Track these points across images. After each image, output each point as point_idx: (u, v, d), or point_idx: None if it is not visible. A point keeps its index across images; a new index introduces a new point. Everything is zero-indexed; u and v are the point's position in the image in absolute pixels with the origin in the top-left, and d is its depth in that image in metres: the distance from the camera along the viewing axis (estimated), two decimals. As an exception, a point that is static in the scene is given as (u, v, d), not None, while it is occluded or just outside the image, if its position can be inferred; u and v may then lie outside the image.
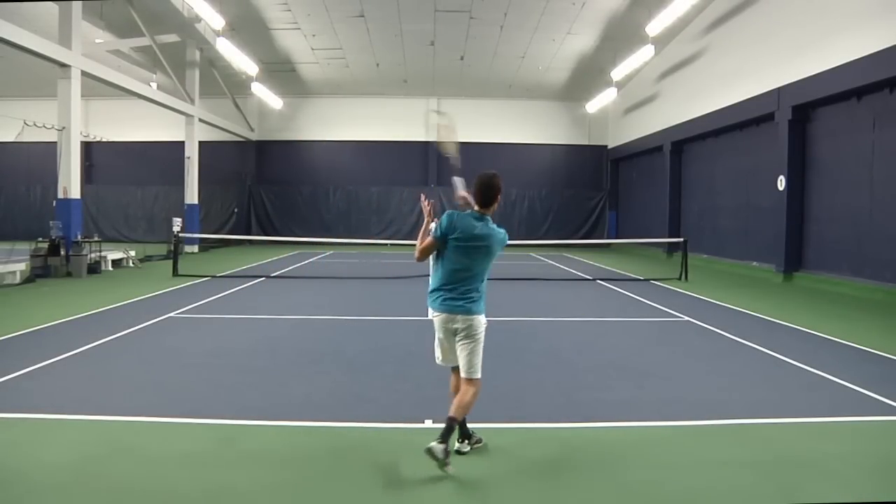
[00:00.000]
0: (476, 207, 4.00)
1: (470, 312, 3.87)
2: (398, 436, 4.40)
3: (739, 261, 17.79)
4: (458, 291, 3.88)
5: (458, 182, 4.25)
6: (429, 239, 3.99)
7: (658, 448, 4.22)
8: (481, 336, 3.92)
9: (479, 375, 3.91)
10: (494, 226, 3.98)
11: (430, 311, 4.05)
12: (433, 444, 3.61)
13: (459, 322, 3.88)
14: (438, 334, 4.03)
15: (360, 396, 5.27)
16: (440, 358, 4.11)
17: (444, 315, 3.93)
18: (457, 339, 3.92)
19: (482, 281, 3.97)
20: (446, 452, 3.60)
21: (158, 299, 10.72)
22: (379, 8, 19.10)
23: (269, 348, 7.07)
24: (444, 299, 3.91)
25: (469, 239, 3.86)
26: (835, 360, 6.73)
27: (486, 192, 3.99)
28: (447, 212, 3.98)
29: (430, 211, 4.17)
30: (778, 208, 15.35)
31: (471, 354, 3.88)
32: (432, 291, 4.02)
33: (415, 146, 29.42)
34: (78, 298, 10.62)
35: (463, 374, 3.91)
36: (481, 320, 3.93)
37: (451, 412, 3.76)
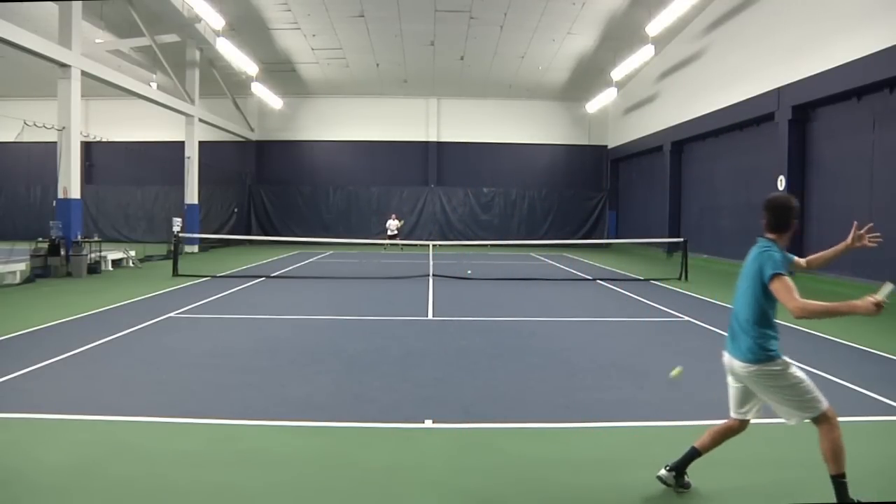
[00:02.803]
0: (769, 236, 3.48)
1: (739, 356, 3.39)
2: (398, 436, 4.39)
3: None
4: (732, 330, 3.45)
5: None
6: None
7: (658, 448, 4.21)
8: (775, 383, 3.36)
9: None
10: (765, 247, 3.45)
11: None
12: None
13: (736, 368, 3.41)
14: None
15: (360, 396, 5.27)
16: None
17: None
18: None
19: (745, 318, 3.45)
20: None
21: (158, 299, 10.72)
22: (379, 8, 19.10)
23: (269, 348, 7.07)
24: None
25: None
26: (835, 360, 6.73)
27: (774, 215, 3.47)
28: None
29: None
30: (778, 208, 15.33)
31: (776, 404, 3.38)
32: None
33: (415, 146, 29.44)
34: (78, 298, 10.62)
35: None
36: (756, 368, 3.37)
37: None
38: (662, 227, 22.28)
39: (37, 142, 20.36)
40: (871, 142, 12.81)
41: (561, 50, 22.67)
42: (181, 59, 21.82)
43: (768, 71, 15.57)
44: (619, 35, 20.43)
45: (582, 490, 3.53)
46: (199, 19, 18.95)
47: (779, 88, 15.06)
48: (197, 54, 22.22)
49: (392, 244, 23.75)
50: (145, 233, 27.91)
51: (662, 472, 3.54)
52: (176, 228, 18.24)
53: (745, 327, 3.40)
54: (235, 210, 28.59)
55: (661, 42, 19.75)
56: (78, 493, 3.45)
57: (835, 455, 3.22)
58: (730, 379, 3.47)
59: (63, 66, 14.47)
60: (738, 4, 17.41)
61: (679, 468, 3.55)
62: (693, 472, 3.81)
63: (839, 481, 3.21)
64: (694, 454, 3.53)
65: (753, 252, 3.49)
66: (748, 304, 3.41)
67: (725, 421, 3.57)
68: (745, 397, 3.45)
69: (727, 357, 3.44)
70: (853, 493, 3.24)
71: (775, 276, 3.26)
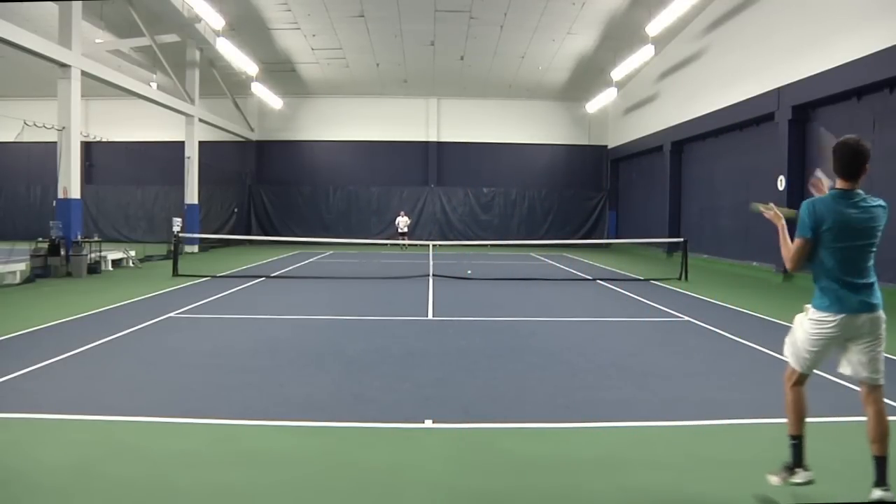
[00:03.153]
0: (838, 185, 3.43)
1: (878, 305, 3.32)
2: (398, 436, 4.39)
3: (739, 261, 17.79)
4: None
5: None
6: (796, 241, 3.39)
7: (658, 448, 4.22)
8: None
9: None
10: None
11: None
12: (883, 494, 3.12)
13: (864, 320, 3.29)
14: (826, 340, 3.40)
15: (360, 396, 5.27)
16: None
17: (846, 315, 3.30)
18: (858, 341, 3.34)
19: (871, 269, 3.39)
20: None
21: (158, 299, 10.72)
22: (379, 8, 19.10)
23: (269, 348, 7.07)
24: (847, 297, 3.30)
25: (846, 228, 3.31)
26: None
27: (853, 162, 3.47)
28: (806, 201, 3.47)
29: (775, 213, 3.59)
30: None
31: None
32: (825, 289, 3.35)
33: (415, 146, 29.45)
34: (78, 298, 10.62)
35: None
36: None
37: (876, 450, 3.19)
38: (662, 227, 22.28)
39: (37, 142, 20.35)
40: (871, 142, 12.65)
41: (561, 50, 22.67)
42: (181, 59, 21.83)
43: (768, 71, 15.57)
44: (619, 35, 20.43)
45: (582, 490, 3.53)
46: (199, 19, 18.96)
47: (779, 88, 15.07)
48: (197, 54, 22.22)
49: (409, 244, 23.78)
50: (145, 233, 27.91)
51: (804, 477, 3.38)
52: (176, 228, 18.24)
53: (873, 276, 3.33)
54: (235, 210, 28.60)
55: (661, 42, 19.75)
56: (78, 493, 3.45)
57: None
58: (834, 341, 3.39)
59: (63, 66, 14.47)
60: (738, 4, 17.41)
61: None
62: (693, 472, 3.81)
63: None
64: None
65: (876, 203, 3.52)
66: (871, 256, 3.37)
67: (801, 388, 3.55)
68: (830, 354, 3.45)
69: (848, 316, 3.27)
70: (853, 494, 3.24)
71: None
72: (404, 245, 23.96)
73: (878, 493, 3.11)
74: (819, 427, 4.71)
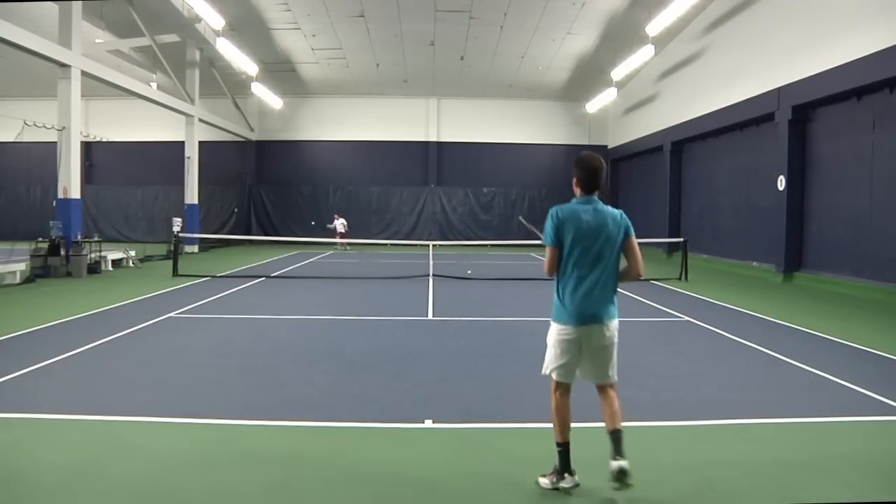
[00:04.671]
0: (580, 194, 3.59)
1: (614, 315, 3.54)
2: (398, 436, 4.39)
3: (739, 261, 17.79)
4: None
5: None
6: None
7: (658, 448, 4.22)
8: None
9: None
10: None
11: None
12: (623, 463, 3.33)
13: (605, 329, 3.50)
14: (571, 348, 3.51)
15: (360, 396, 5.27)
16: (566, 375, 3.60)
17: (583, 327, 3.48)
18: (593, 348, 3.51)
19: (614, 279, 3.56)
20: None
21: (158, 299, 10.72)
22: (379, 8, 19.10)
23: (269, 348, 7.07)
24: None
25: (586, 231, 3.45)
26: (835, 360, 6.73)
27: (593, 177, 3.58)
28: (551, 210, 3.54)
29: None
30: (778, 208, 15.35)
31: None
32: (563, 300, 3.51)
33: (415, 146, 29.44)
34: (78, 298, 10.62)
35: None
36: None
37: (617, 424, 3.45)
38: (662, 227, 22.28)
39: (37, 142, 20.41)
40: (871, 142, 12.81)
41: (561, 50, 22.67)
42: (181, 59, 21.82)
43: (768, 71, 15.57)
44: (619, 35, 20.42)
45: (582, 490, 3.53)
46: (199, 19, 18.95)
47: (779, 88, 15.06)
48: (197, 54, 22.22)
49: (348, 243, 23.56)
50: (145, 233, 27.91)
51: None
52: (176, 228, 18.25)
53: (614, 287, 3.54)
54: (235, 210, 28.60)
55: (661, 42, 19.75)
56: (78, 493, 3.45)
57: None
58: (574, 346, 3.48)
59: (63, 66, 14.47)
60: (738, 4, 17.41)
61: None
62: (693, 472, 3.81)
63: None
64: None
65: (612, 212, 3.55)
66: (617, 265, 3.54)
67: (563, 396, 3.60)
68: (579, 361, 3.55)
69: (584, 328, 3.44)
70: (853, 494, 3.24)
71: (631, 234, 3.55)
72: (344, 245, 23.84)
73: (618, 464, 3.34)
74: (819, 427, 4.72)
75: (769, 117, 15.72)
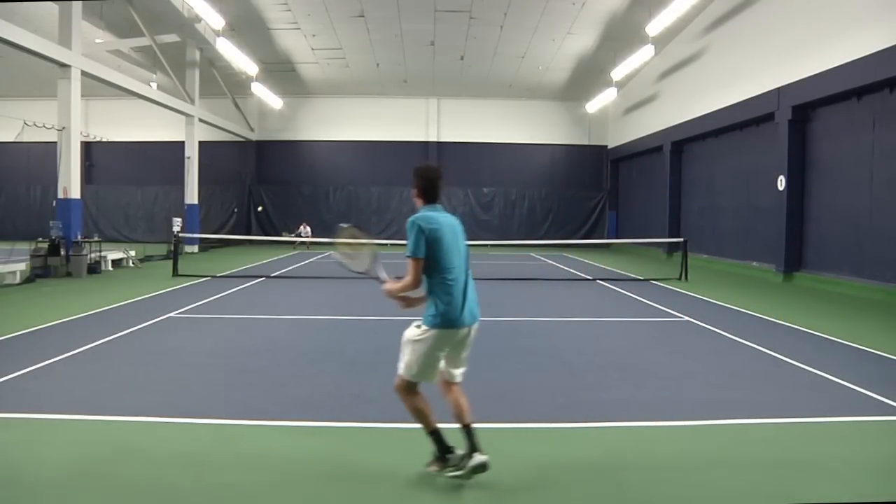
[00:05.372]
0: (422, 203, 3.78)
1: (477, 315, 3.80)
2: (398, 436, 4.39)
3: (739, 261, 17.79)
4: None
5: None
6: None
7: (658, 448, 4.22)
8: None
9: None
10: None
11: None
12: (485, 458, 3.51)
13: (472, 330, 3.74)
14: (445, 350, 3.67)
15: (360, 396, 5.27)
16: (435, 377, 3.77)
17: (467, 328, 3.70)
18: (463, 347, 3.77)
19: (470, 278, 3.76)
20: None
21: (158, 299, 10.72)
22: (379, 8, 19.10)
23: (269, 348, 7.07)
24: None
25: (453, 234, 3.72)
26: (835, 360, 6.72)
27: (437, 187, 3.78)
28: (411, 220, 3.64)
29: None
30: (778, 208, 15.35)
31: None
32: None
33: (415, 146, 29.43)
34: (78, 298, 10.62)
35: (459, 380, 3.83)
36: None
37: (467, 419, 3.67)
38: (662, 227, 22.28)
39: (37, 142, 20.44)
40: (871, 142, 12.81)
41: (561, 50, 22.67)
42: (181, 59, 21.82)
43: (768, 71, 15.57)
44: (619, 35, 20.43)
45: (582, 490, 3.53)
46: (199, 19, 18.95)
47: (779, 88, 15.06)
48: (197, 54, 22.22)
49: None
50: (145, 233, 27.93)
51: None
52: (176, 228, 18.25)
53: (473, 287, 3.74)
54: (235, 210, 28.60)
55: (661, 42, 19.75)
56: (78, 492, 3.45)
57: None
58: (447, 347, 3.65)
59: (63, 66, 14.46)
60: (738, 4, 17.41)
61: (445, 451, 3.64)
62: (693, 472, 3.81)
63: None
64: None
65: (453, 219, 3.85)
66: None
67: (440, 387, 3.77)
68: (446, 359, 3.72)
69: (464, 329, 3.66)
70: (853, 494, 3.24)
71: None
72: (305, 244, 24.11)
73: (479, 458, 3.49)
74: (819, 427, 4.72)
75: (769, 117, 15.73)
